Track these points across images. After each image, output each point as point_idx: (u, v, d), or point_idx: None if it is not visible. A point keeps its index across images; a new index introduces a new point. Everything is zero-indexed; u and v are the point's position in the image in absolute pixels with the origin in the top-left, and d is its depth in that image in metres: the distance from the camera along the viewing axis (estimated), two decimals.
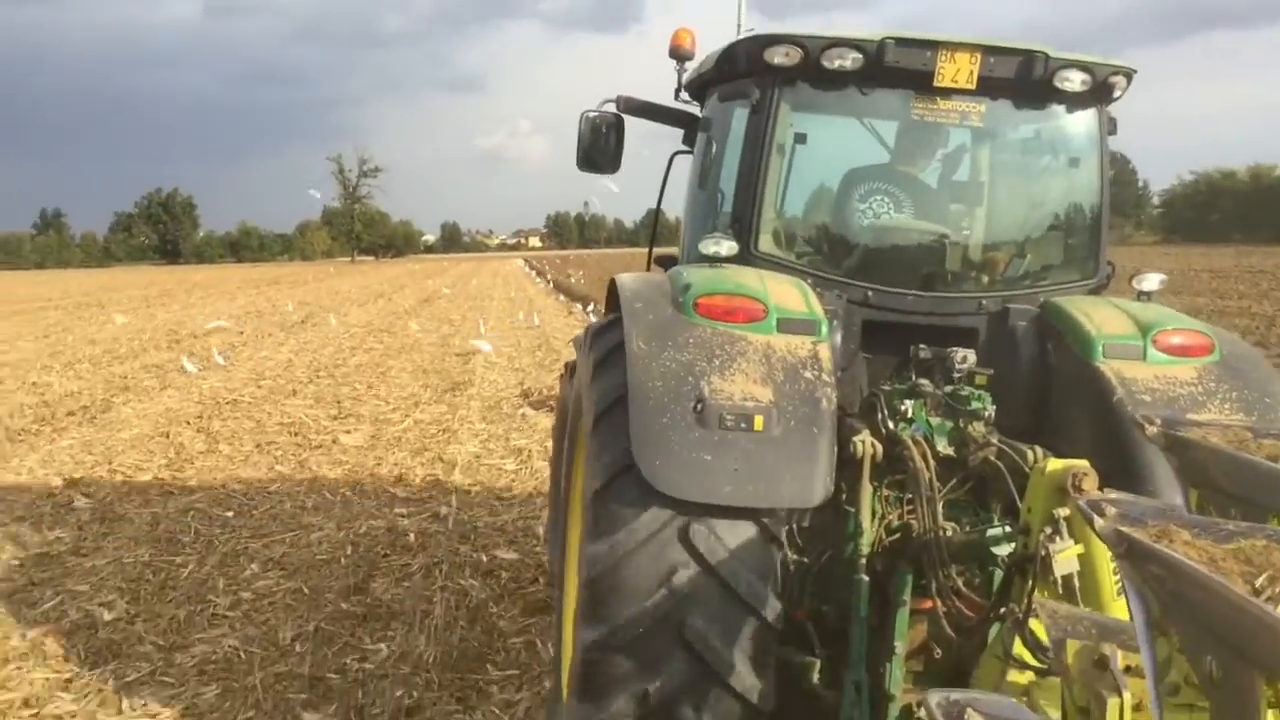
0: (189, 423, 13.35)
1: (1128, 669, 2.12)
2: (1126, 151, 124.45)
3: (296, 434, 12.56)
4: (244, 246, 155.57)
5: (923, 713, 1.99)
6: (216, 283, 60.59)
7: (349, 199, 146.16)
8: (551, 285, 47.01)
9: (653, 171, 6.44)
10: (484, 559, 7.73)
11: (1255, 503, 2.32)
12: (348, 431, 12.72)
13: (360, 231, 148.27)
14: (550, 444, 7.69)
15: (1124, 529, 1.81)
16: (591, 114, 5.92)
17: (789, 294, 4.14)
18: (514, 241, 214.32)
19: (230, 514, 9.07)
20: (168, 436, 12.47)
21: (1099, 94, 4.73)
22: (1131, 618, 1.83)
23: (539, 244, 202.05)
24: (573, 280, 45.71)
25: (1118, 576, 2.95)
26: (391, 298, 42.04)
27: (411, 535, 8.29)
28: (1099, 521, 1.90)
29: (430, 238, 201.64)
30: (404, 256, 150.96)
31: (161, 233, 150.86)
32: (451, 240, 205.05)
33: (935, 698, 1.87)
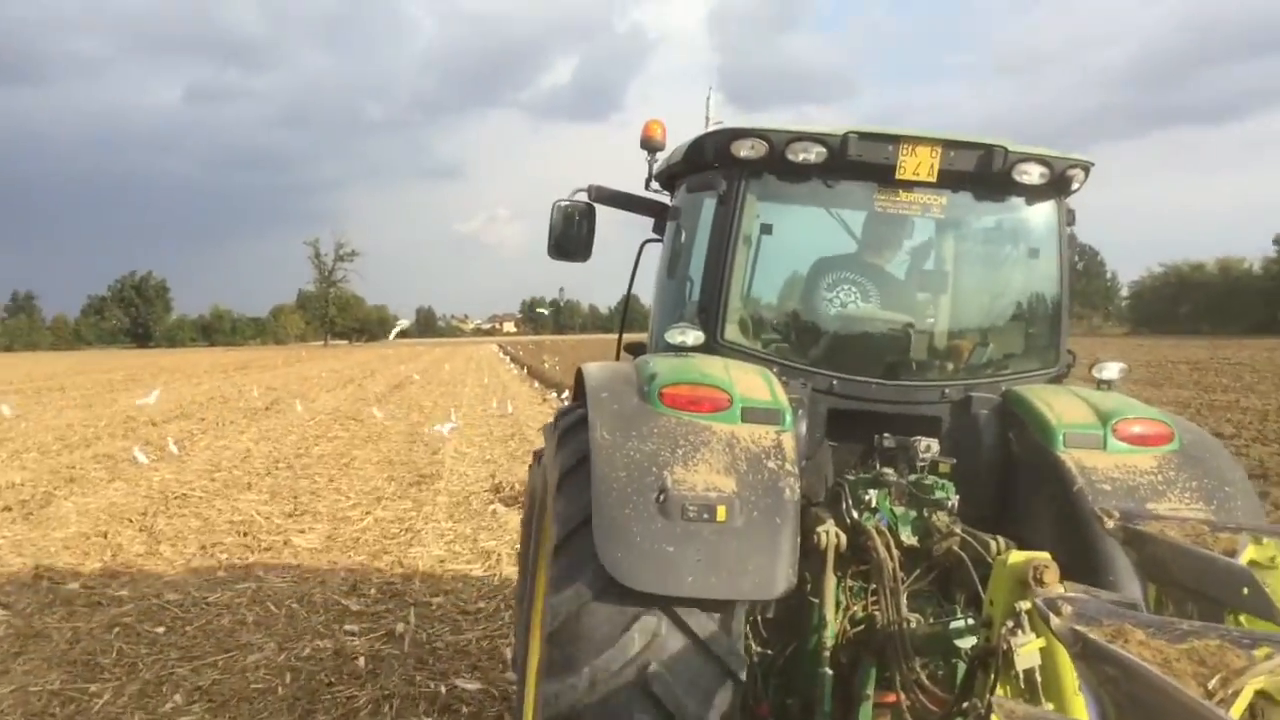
0: (131, 520, 12.31)
1: None
2: (1094, 243, 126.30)
3: (246, 534, 11.56)
4: (216, 330, 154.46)
5: None
6: (185, 366, 59.47)
7: (324, 283, 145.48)
8: (525, 371, 46.23)
9: (628, 258, 6.46)
10: (442, 690, 6.76)
11: (1211, 597, 2.33)
12: (302, 531, 11.75)
13: (334, 315, 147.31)
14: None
15: (1079, 628, 1.82)
16: (563, 203, 5.92)
17: (754, 383, 4.11)
18: (489, 327, 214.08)
19: (160, 630, 8.07)
20: (106, 536, 11.43)
21: (1057, 186, 4.79)
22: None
23: (513, 329, 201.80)
24: (546, 366, 44.93)
25: (1079, 684, 2.82)
26: (362, 383, 41.09)
27: (361, 659, 7.32)
28: (1055, 620, 1.91)
29: (406, 323, 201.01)
30: (377, 341, 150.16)
31: (133, 316, 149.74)
32: (426, 325, 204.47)
33: None
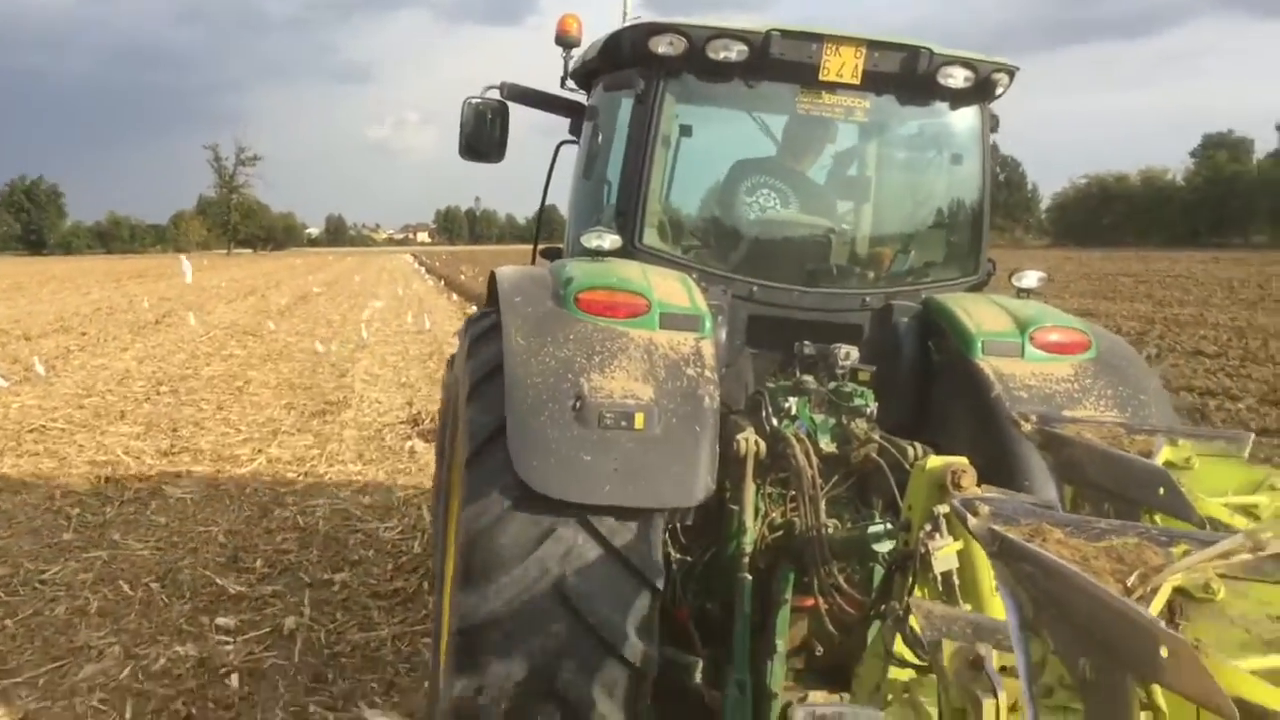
0: None
1: (1003, 669, 2.04)
2: (1016, 154, 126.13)
3: (108, 479, 9.48)
4: (114, 237, 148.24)
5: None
6: (77, 275, 55.74)
7: (226, 188, 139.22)
8: (443, 284, 43.95)
9: (546, 165, 6.21)
10: None
11: (1128, 498, 2.36)
12: (177, 475, 9.71)
13: (237, 222, 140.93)
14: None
15: (997, 528, 1.83)
16: (475, 100, 5.73)
17: (672, 288, 4.04)
18: (402, 237, 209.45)
19: None
20: None
21: (982, 91, 4.73)
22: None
23: (428, 240, 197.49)
24: (464, 278, 42.63)
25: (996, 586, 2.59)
26: (265, 294, 38.46)
27: (234, 677, 5.45)
28: (972, 520, 1.92)
29: (314, 231, 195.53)
30: (285, 250, 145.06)
31: (25, 222, 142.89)
32: (337, 234, 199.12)
33: (800, 712, 2.16)
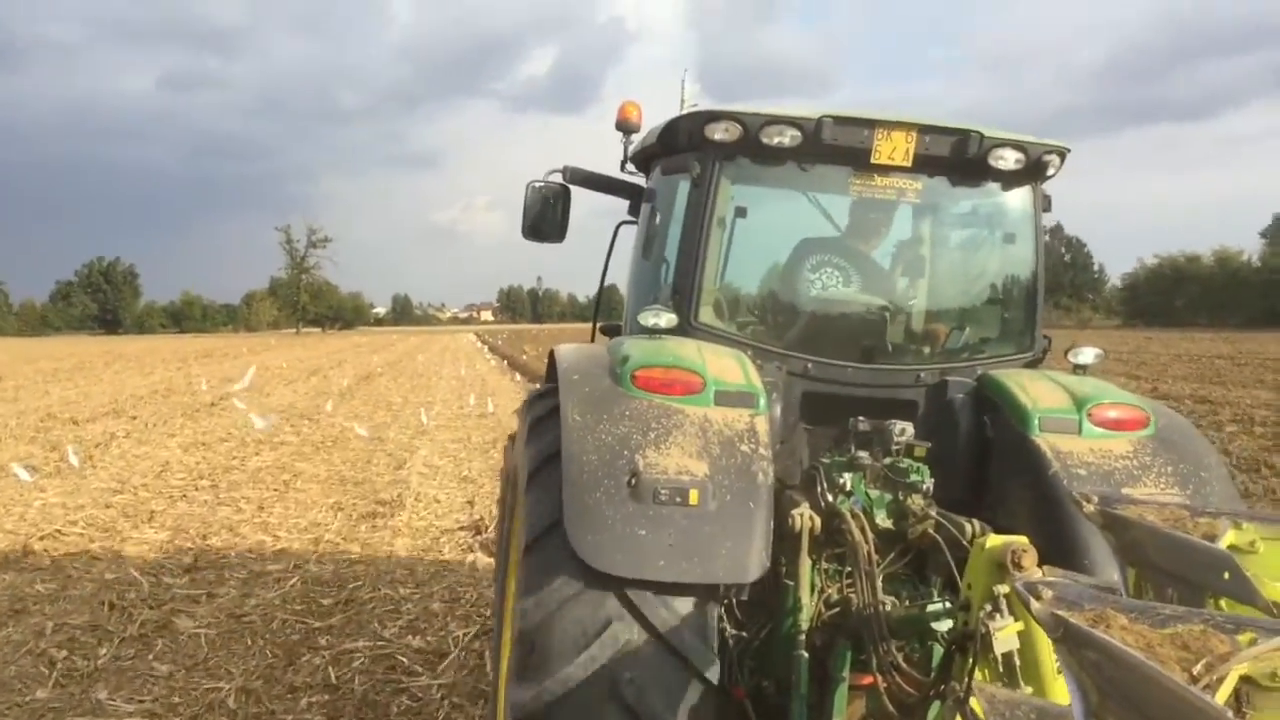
0: None
1: None
2: (1080, 235, 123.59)
3: (113, 608, 7.87)
4: (187, 317, 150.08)
5: None
6: (145, 354, 55.24)
7: (296, 269, 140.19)
8: (505, 364, 42.58)
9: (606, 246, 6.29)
10: None
11: (1192, 582, 2.32)
12: (196, 601, 8.09)
13: (306, 302, 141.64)
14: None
15: (1061, 613, 1.80)
16: (538, 184, 5.86)
17: (727, 366, 4.07)
18: (466, 315, 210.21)
19: None
20: None
21: (1033, 172, 4.75)
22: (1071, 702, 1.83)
23: (491, 318, 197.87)
24: (526, 357, 41.24)
25: (1058, 666, 2.83)
26: (327, 374, 37.29)
27: None
28: (1035, 605, 1.90)
29: (381, 310, 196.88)
30: (353, 329, 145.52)
31: (101, 302, 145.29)
32: (403, 313, 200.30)
33: None
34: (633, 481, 3.48)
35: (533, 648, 3.39)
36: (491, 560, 8.97)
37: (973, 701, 2.86)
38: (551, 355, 4.34)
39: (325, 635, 7.27)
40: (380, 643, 7.07)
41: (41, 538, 10.16)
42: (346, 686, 6.32)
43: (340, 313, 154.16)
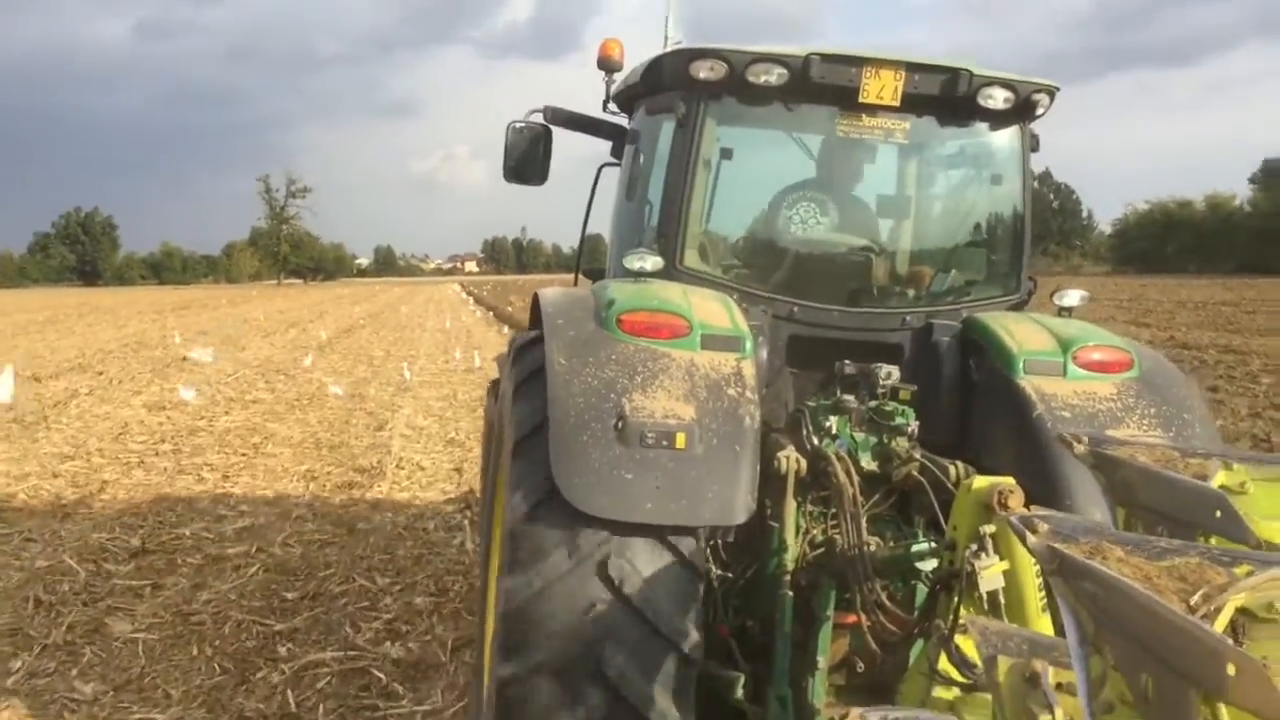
0: None
1: (1059, 686, 2.02)
2: (1069, 182, 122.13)
3: (39, 604, 6.64)
4: (166, 268, 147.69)
5: None
6: (122, 306, 53.59)
7: (276, 220, 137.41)
8: (491, 315, 41.28)
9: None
10: None
11: (1183, 521, 2.35)
12: (139, 593, 6.90)
13: (287, 253, 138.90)
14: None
15: (1057, 545, 1.82)
16: (519, 124, 5.74)
17: (714, 310, 4.05)
18: (450, 266, 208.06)
19: None
20: None
21: (1022, 111, 4.69)
22: (1061, 634, 1.85)
23: (475, 269, 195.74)
24: (512, 309, 39.91)
25: (1043, 594, 3.09)
26: (306, 327, 35.96)
27: None
28: (1031, 538, 1.91)
29: (364, 261, 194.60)
30: (334, 280, 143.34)
31: (80, 253, 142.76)
32: (386, 264, 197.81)
33: (872, 715, 1.99)
34: (620, 425, 3.48)
35: (518, 626, 3.39)
36: (478, 541, 7.80)
37: (957, 639, 2.89)
38: (536, 299, 4.25)
39: (286, 642, 6.06)
40: (352, 652, 5.88)
41: None
42: (309, 715, 5.15)
43: (322, 264, 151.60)
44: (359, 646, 5.96)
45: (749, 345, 3.91)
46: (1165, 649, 1.50)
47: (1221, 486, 2.35)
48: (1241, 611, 1.56)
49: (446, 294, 68.04)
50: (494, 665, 3.51)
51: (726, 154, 4.78)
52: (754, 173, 5.19)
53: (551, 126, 5.80)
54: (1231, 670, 1.34)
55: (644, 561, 3.43)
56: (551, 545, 3.40)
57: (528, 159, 5.80)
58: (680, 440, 3.48)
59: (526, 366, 3.86)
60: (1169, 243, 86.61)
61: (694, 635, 3.45)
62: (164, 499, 9.66)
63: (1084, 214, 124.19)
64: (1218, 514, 2.21)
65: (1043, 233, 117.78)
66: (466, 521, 8.58)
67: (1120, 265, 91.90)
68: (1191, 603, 1.54)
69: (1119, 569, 1.66)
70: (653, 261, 4.29)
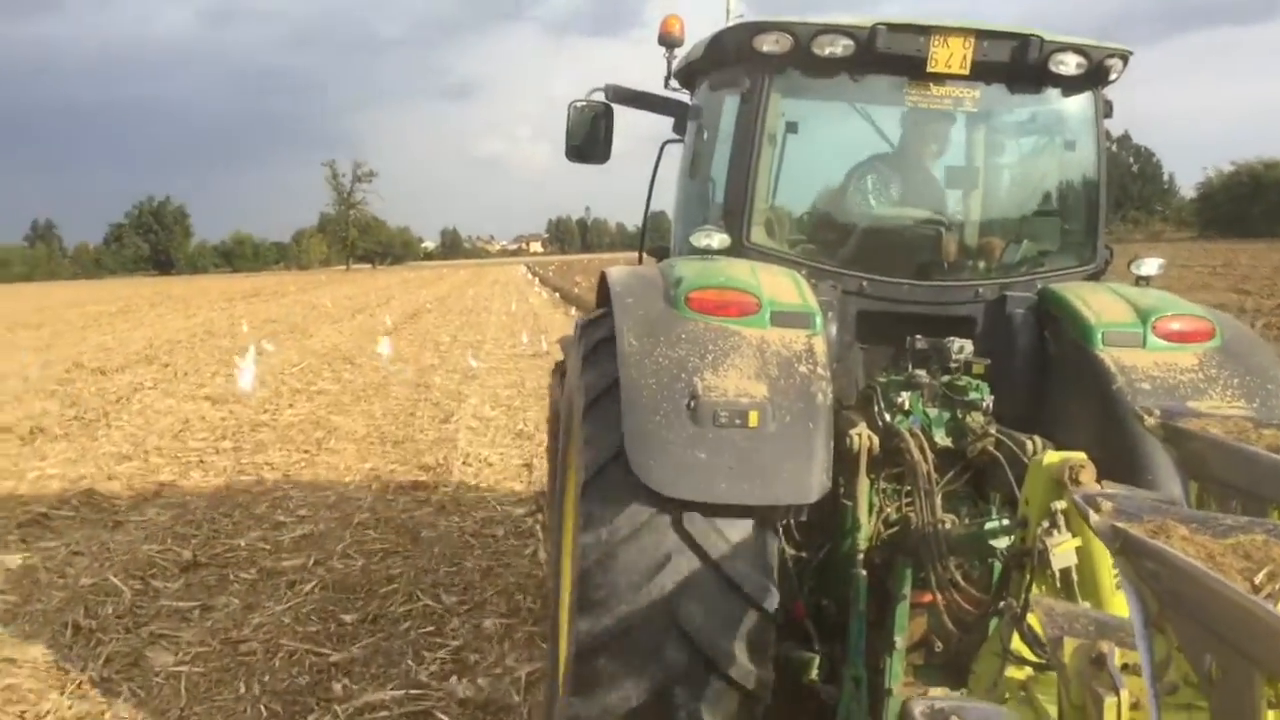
0: None
1: (1125, 667, 1.99)
2: (1148, 145, 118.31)
3: (78, 631, 6.08)
4: (238, 256, 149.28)
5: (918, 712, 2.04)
6: (194, 295, 53.88)
7: (344, 205, 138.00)
8: (557, 296, 40.68)
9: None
10: None
11: (1256, 495, 2.30)
12: (186, 619, 6.28)
13: (355, 238, 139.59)
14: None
15: (1120, 524, 1.80)
16: (580, 103, 5.69)
17: (782, 286, 4.00)
18: (515, 247, 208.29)
19: None
20: None
21: (1094, 76, 4.58)
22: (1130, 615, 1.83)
23: (540, 249, 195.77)
24: (579, 289, 39.28)
25: (1116, 572, 2.79)
26: (374, 312, 35.66)
27: None
28: (1094, 517, 1.90)
29: (430, 244, 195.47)
30: (402, 264, 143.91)
31: (153, 243, 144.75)
32: (452, 247, 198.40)
33: (920, 705, 1.88)
34: (692, 404, 3.46)
35: (595, 582, 3.37)
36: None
37: (1030, 617, 2.82)
38: (603, 278, 4.21)
39: (343, 676, 5.40)
40: (415, 690, 5.18)
41: (20, 525, 8.44)
42: None
43: (389, 248, 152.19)
44: (422, 683, 5.27)
45: (819, 321, 3.87)
46: (1228, 629, 1.48)
47: None
48: None
49: (513, 276, 67.59)
50: (572, 624, 3.50)
51: (792, 128, 4.68)
52: (821, 146, 5.12)
53: (613, 105, 5.74)
54: None
55: (721, 520, 3.42)
56: (628, 498, 3.40)
57: (590, 138, 5.74)
58: (753, 419, 3.45)
59: (594, 337, 3.85)
60: (1256, 205, 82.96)
61: (773, 592, 3.45)
62: (222, 502, 9.11)
63: (1165, 178, 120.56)
64: None
65: (1121, 198, 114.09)
66: (538, 527, 7.89)
67: (1205, 230, 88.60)
68: (1256, 581, 1.51)
69: (1183, 548, 1.65)
70: (719, 239, 4.26)
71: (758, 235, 4.54)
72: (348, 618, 6.23)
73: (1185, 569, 1.56)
